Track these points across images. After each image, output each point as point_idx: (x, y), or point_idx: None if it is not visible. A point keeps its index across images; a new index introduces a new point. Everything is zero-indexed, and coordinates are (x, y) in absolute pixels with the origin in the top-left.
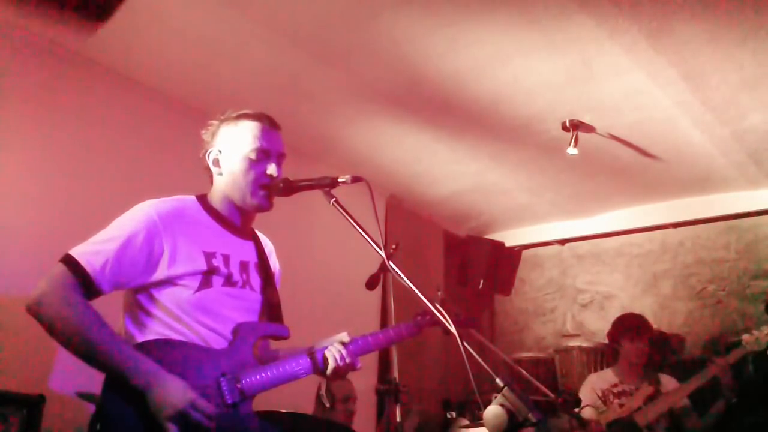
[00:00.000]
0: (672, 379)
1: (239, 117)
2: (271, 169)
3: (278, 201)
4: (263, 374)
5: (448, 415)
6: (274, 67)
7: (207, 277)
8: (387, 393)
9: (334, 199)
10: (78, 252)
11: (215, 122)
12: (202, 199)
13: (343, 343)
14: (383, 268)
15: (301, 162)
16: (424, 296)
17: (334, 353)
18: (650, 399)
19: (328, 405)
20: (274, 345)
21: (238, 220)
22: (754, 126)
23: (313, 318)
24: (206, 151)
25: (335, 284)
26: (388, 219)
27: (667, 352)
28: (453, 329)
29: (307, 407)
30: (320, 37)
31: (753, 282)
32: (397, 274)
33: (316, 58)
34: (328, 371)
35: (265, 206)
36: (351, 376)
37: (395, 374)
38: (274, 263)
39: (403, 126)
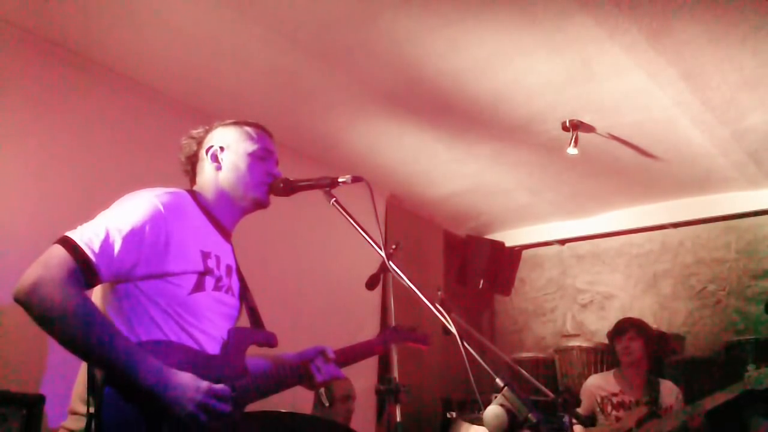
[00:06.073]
0: (672, 386)
1: (238, 122)
2: (275, 169)
3: (278, 201)
4: (256, 384)
5: (448, 415)
6: (274, 67)
7: (201, 278)
8: (387, 393)
9: (334, 199)
10: (78, 235)
11: (207, 126)
12: (193, 195)
13: (327, 357)
14: (383, 268)
15: (301, 162)
16: (424, 296)
17: (321, 367)
18: (642, 421)
19: (327, 404)
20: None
21: (226, 219)
22: (754, 126)
23: (314, 318)
24: (204, 147)
25: (335, 284)
26: (388, 219)
27: (667, 352)
28: (453, 329)
29: (307, 407)
30: (320, 37)
31: (753, 282)
32: (397, 274)
33: (316, 58)
34: (314, 382)
35: (265, 202)
36: (351, 376)
37: (395, 374)
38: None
39: (403, 126)
